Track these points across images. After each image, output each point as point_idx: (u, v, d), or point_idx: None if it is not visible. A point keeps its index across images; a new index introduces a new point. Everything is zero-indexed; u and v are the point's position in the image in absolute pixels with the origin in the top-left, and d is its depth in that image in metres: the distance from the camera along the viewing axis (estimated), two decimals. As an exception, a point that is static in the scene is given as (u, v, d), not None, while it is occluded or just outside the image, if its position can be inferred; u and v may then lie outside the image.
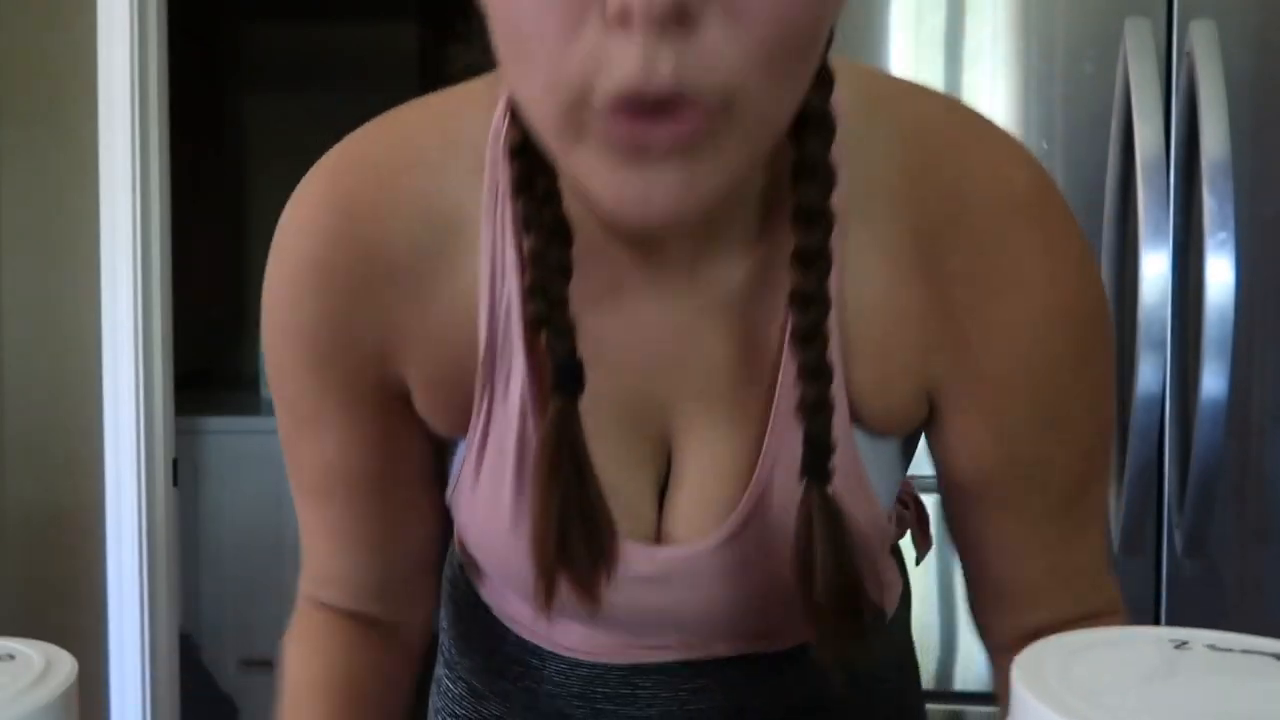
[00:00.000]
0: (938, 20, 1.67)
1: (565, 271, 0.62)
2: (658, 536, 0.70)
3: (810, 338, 0.61)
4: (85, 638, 2.21)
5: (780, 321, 0.64)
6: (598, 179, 0.53)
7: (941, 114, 0.67)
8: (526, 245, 0.63)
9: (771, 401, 0.64)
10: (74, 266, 2.20)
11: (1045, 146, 1.64)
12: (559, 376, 0.62)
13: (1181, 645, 0.50)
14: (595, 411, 0.64)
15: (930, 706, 1.78)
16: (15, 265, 2.23)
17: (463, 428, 0.69)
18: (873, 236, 0.63)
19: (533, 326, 0.64)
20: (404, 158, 0.68)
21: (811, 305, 0.61)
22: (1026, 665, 0.47)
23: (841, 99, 0.61)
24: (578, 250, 0.62)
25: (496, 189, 0.65)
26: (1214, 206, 1.54)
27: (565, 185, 0.62)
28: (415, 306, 0.67)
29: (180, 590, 2.45)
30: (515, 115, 0.62)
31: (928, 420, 0.68)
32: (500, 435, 0.67)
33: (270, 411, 0.81)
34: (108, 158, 2.16)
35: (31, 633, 0.59)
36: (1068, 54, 1.65)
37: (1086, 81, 1.64)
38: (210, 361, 3.79)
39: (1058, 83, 1.65)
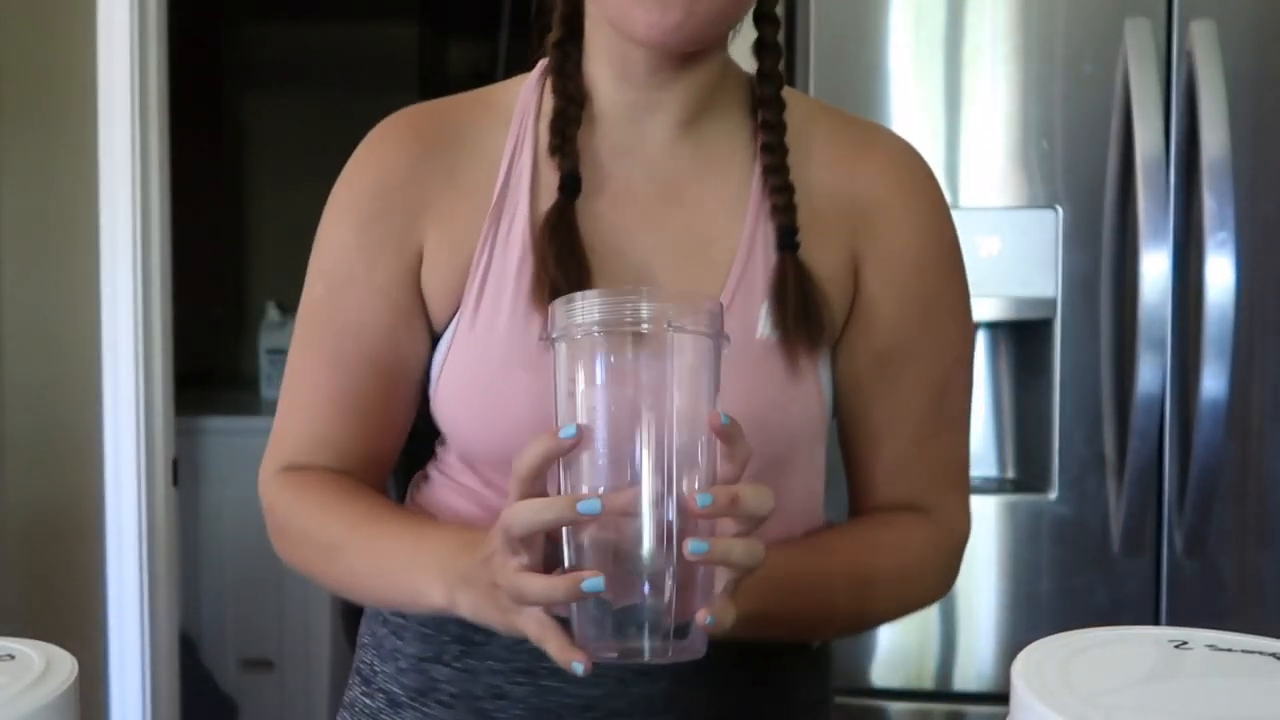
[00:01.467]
0: (938, 20, 1.67)
1: (576, 120, 0.87)
2: None
3: (778, 168, 0.87)
4: (85, 638, 2.21)
5: (745, 170, 0.90)
6: (632, 10, 0.79)
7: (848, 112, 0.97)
8: (554, 105, 0.88)
9: (742, 224, 0.88)
10: (74, 266, 2.20)
11: (1045, 146, 1.64)
12: (563, 184, 0.85)
13: (1181, 645, 0.50)
14: (608, 229, 0.87)
15: (930, 706, 1.78)
16: (15, 265, 2.23)
17: (457, 291, 0.87)
18: (809, 147, 0.90)
19: (551, 151, 0.87)
20: (467, 95, 0.95)
21: (776, 151, 0.88)
22: (1026, 665, 0.47)
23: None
24: (597, 116, 0.88)
25: (535, 85, 0.91)
26: (1214, 206, 1.54)
27: (587, 68, 0.88)
28: (449, 181, 0.89)
29: (180, 590, 2.45)
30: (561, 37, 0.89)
31: (850, 309, 0.90)
32: (501, 268, 0.86)
33: (269, 411, 0.85)
34: (108, 158, 2.16)
35: (31, 633, 0.59)
36: (1068, 54, 1.65)
37: (1086, 81, 1.64)
38: (210, 361, 3.79)
39: (1058, 83, 1.65)
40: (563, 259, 0.83)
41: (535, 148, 0.89)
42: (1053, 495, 1.66)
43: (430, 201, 0.89)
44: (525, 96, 0.91)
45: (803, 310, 0.85)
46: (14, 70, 2.21)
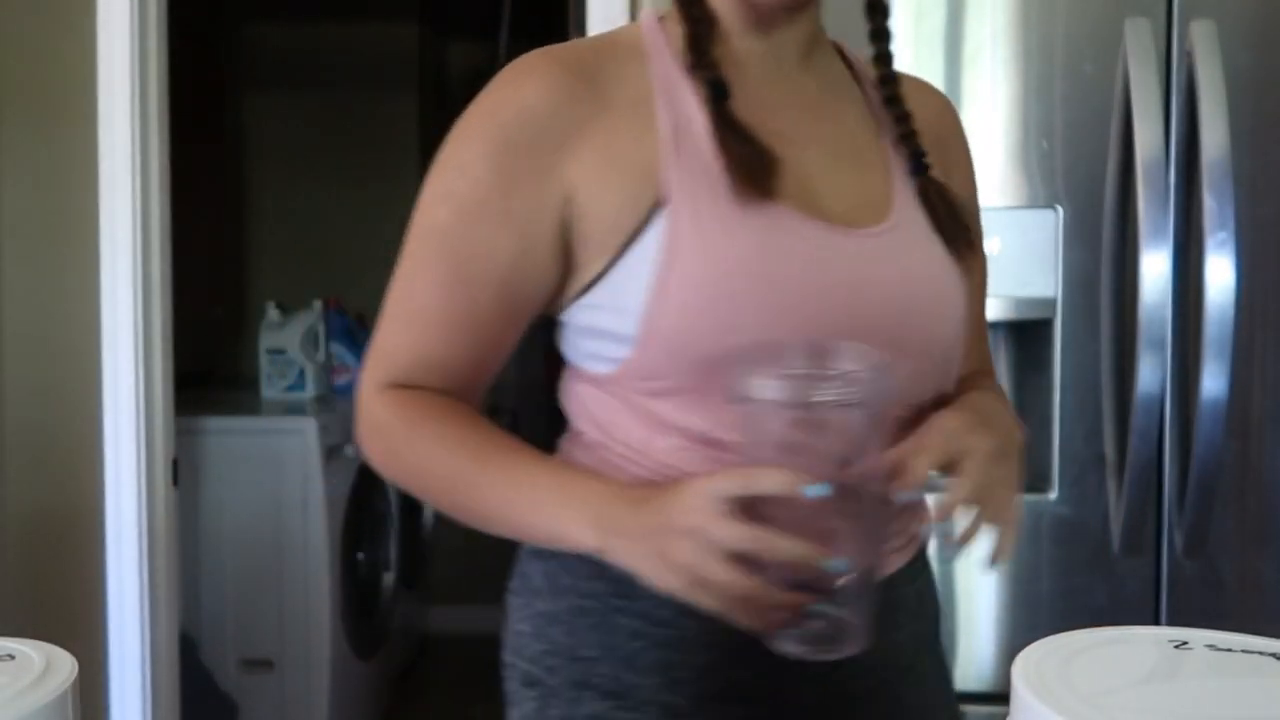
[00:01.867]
0: (938, 20, 1.67)
1: (709, 38, 0.93)
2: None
3: (896, 98, 1.01)
4: (85, 638, 2.21)
5: (860, 101, 1.03)
6: None
7: None
8: (685, 29, 0.94)
9: (878, 138, 1.00)
10: (74, 266, 2.20)
11: (1045, 146, 1.64)
12: (712, 90, 0.91)
13: (1181, 645, 0.50)
14: (771, 137, 0.91)
15: (930, 706, 1.77)
16: (15, 265, 2.23)
17: (642, 208, 0.89)
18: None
19: (694, 73, 0.93)
20: (582, 40, 1.00)
21: (891, 83, 1.01)
22: (1026, 665, 0.47)
23: None
24: (728, 42, 0.95)
25: (654, 25, 0.96)
26: (1214, 206, 1.54)
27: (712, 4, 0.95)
28: (601, 106, 0.91)
29: (180, 590, 2.45)
30: None
31: None
32: (703, 172, 0.89)
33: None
34: (108, 158, 2.16)
35: (31, 633, 0.59)
36: (1068, 54, 1.65)
37: (1086, 81, 1.64)
38: (210, 361, 3.79)
39: (1058, 83, 1.65)
40: (749, 147, 0.89)
41: (682, 69, 0.94)
42: (1053, 495, 1.66)
43: (583, 130, 0.90)
44: (649, 33, 0.96)
45: (952, 219, 0.99)
46: (14, 70, 2.21)
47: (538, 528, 0.89)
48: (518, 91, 0.92)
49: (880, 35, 1.03)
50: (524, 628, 0.99)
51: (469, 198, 0.91)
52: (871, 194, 0.97)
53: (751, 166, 0.88)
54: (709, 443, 0.90)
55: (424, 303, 0.94)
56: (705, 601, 0.79)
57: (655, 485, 0.85)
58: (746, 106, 0.93)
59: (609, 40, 0.98)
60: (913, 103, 1.03)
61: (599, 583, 0.93)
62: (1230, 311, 1.54)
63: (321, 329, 3.35)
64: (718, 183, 0.89)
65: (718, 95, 0.91)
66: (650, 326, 0.88)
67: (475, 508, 0.92)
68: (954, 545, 0.85)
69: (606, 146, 0.90)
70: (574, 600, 0.95)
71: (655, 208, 0.89)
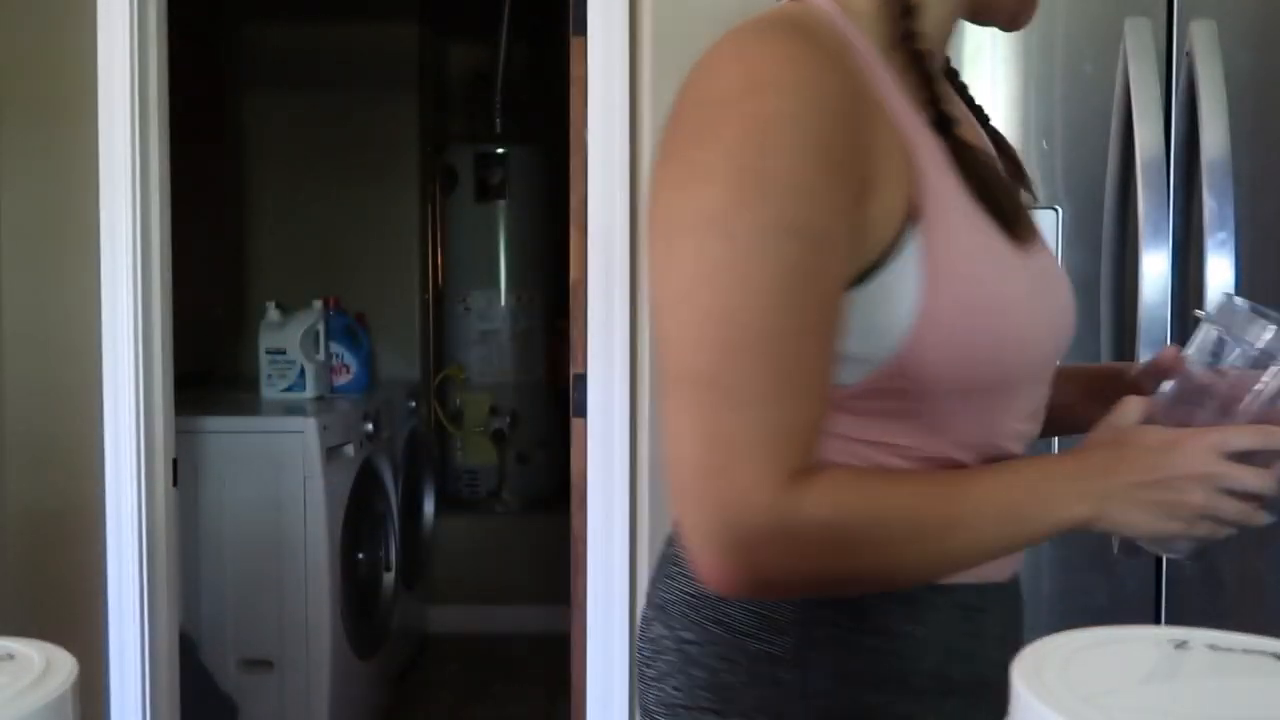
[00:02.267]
0: (938, 20, 1.67)
1: (925, 65, 0.89)
2: None
3: (971, 98, 1.05)
4: (85, 638, 2.21)
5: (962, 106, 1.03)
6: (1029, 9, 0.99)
7: None
8: (907, 55, 0.88)
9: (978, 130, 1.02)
10: (74, 266, 2.20)
11: (1045, 146, 1.64)
12: (938, 123, 0.87)
13: (1181, 645, 0.50)
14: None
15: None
16: (15, 266, 2.23)
17: (897, 216, 0.82)
18: None
19: (922, 109, 0.87)
20: (809, 23, 0.85)
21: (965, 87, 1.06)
22: (1026, 665, 0.47)
23: None
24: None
25: (837, 15, 0.88)
26: (1214, 206, 1.54)
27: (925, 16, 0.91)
28: (868, 116, 0.82)
29: (180, 590, 2.45)
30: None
31: None
32: (952, 195, 0.85)
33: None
34: (108, 158, 2.16)
35: (31, 633, 0.59)
36: (1068, 54, 1.65)
37: (1086, 81, 1.64)
38: (210, 361, 3.79)
39: (1058, 83, 1.65)
40: (1008, 200, 0.89)
41: (888, 70, 0.88)
42: (1053, 495, 1.66)
43: (866, 130, 0.81)
44: (841, 22, 0.87)
45: (1016, 160, 1.04)
46: (14, 71, 2.21)
47: (1047, 524, 0.83)
48: (812, 84, 0.79)
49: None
50: (734, 679, 0.89)
51: (818, 225, 0.77)
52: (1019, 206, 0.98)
53: (1013, 217, 0.87)
54: (926, 460, 0.87)
55: (817, 362, 0.79)
56: (1200, 530, 0.90)
57: (1105, 453, 0.86)
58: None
59: (809, 23, 0.85)
60: None
61: (826, 609, 0.87)
62: (1230, 311, 1.54)
63: (321, 329, 3.35)
64: (969, 211, 0.85)
65: (946, 127, 0.87)
66: (910, 352, 0.82)
67: (961, 543, 0.82)
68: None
69: (882, 150, 0.82)
70: (800, 633, 0.87)
71: (907, 225, 0.82)
